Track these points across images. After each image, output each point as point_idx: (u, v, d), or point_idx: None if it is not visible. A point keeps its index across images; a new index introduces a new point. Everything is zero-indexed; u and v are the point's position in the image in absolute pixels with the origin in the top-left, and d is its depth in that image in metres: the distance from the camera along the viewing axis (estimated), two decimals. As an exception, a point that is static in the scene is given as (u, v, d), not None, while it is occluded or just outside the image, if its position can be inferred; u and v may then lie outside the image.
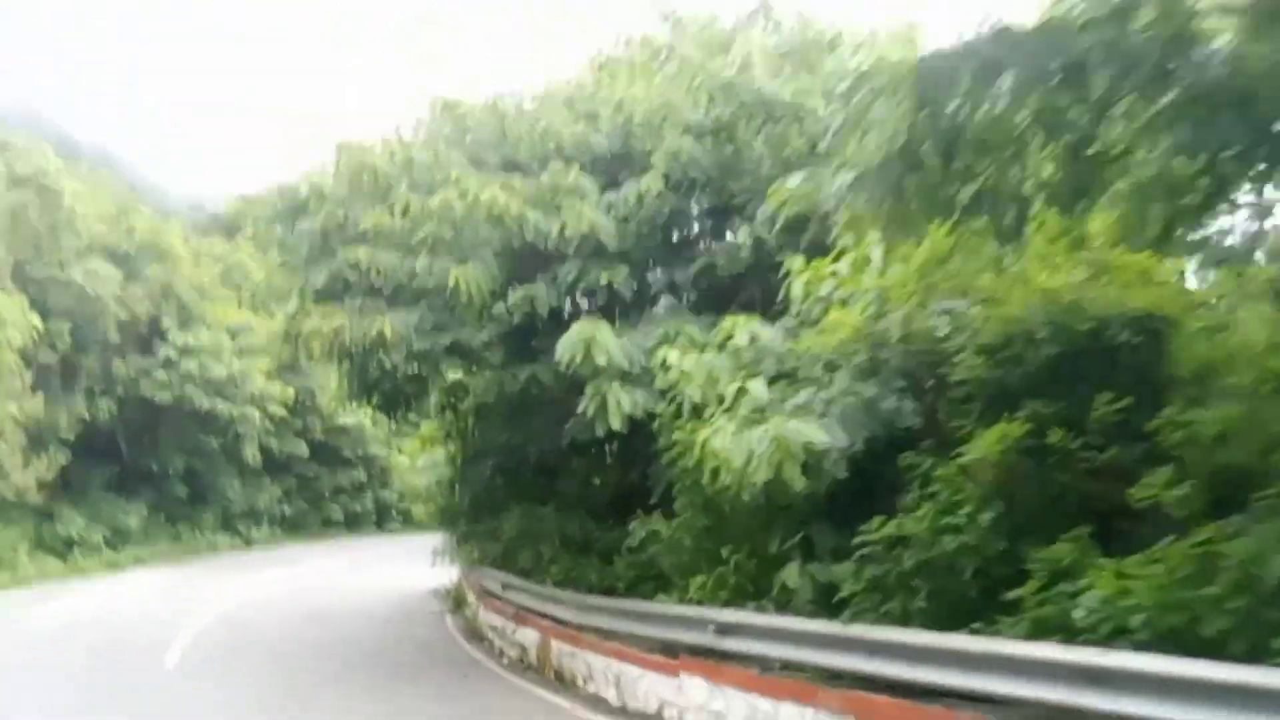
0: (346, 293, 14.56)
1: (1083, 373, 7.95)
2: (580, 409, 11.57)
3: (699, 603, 10.60)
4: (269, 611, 22.93)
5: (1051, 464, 7.71)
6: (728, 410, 9.61)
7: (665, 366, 10.57)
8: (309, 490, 51.30)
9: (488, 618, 18.22)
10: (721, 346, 10.59)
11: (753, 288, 13.15)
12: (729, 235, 12.62)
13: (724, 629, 10.01)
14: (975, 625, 7.34)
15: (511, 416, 16.84)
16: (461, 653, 17.13)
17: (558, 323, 15.09)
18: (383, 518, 58.25)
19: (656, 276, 13.05)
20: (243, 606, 23.83)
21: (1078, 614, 6.47)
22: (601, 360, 11.42)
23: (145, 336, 36.45)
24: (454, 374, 22.04)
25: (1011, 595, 7.14)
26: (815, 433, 8.49)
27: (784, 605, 9.90)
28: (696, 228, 13.79)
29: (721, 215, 13.41)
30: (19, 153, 30.64)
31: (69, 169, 33.27)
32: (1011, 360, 8.37)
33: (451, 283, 12.29)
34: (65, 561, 32.00)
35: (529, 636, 14.89)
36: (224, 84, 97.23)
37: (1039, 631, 6.74)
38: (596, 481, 16.22)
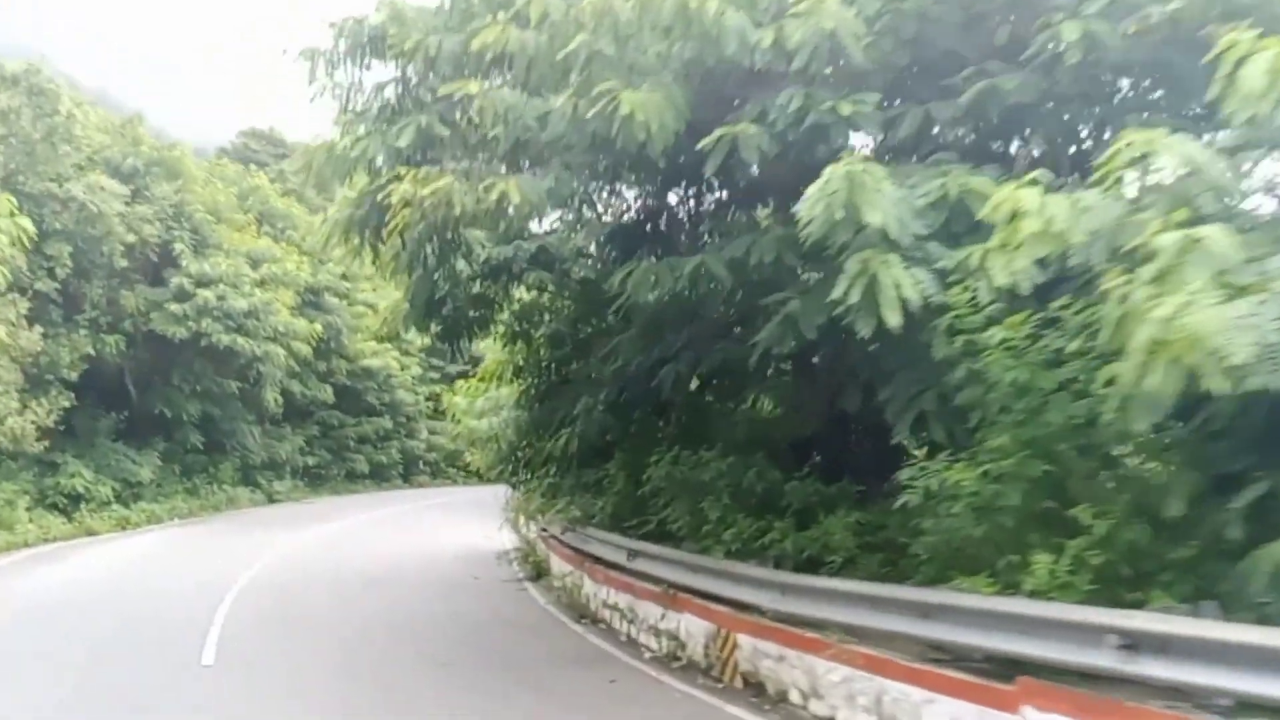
0: (441, 152, 10.55)
1: None
2: (836, 294, 7.48)
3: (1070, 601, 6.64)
4: (317, 579, 19.15)
5: None
6: (1159, 280, 5.64)
7: (1010, 214, 6.53)
8: (332, 440, 47.60)
9: (600, 593, 14.34)
10: (1099, 184, 6.56)
11: (1050, 127, 9.14)
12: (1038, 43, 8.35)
13: (1134, 643, 6.06)
14: None
15: (647, 333, 12.86)
16: (577, 639, 13.23)
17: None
18: (410, 470, 54.71)
19: (915, 113, 8.89)
20: (283, 571, 20.09)
21: None
22: (874, 219, 7.36)
23: (156, 264, 32.32)
24: (527, 293, 18.40)
25: None
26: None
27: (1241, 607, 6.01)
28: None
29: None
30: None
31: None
32: None
33: (625, 112, 8.18)
34: (70, 519, 28.22)
35: (693, 626, 10.96)
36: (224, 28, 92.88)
37: None
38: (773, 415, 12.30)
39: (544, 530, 19.90)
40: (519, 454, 19.94)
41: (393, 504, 40.10)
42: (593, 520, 15.94)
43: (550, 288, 18.24)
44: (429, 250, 13.28)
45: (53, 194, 26.80)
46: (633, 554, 13.13)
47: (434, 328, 18.18)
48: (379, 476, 51.31)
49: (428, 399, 55.53)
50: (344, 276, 41.57)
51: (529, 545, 21.72)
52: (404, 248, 12.53)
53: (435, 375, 56.69)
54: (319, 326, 37.58)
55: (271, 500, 39.81)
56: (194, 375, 34.58)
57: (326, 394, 42.22)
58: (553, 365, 19.00)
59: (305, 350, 36.90)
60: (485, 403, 23.27)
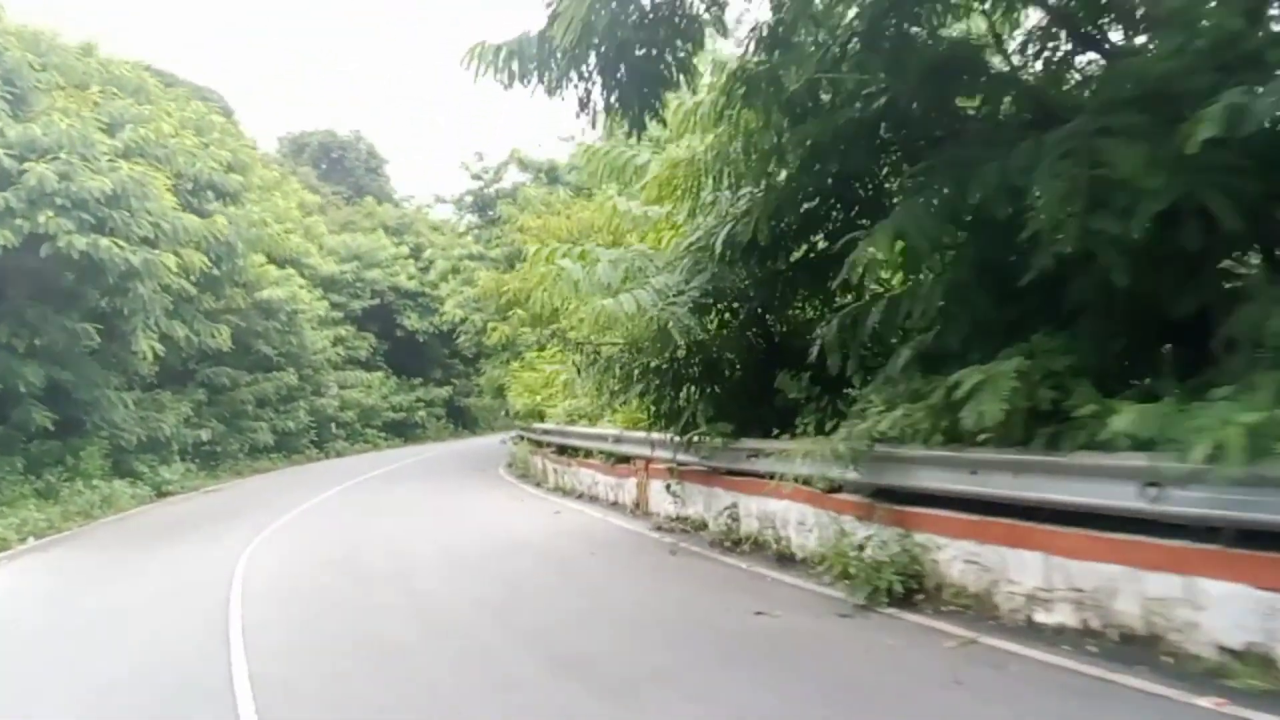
0: None
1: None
2: None
3: None
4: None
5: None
6: None
7: None
8: (224, 405, 35.45)
9: None
10: None
11: None
12: None
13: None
14: None
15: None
16: None
17: None
18: (323, 436, 42.80)
19: None
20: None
21: None
22: None
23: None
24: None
25: None
26: None
27: None
28: None
29: None
30: None
31: None
32: None
33: None
34: None
35: None
36: None
37: None
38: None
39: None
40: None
41: (331, 481, 28.61)
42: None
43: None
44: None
45: None
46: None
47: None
48: (287, 448, 39.38)
49: (335, 343, 43.60)
50: (229, 169, 29.10)
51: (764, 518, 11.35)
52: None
53: (339, 315, 44.68)
54: (222, 222, 25.34)
55: (160, 493, 27.73)
56: (28, 325, 22.27)
57: (222, 338, 29.95)
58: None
59: (200, 262, 24.63)
60: (613, 267, 12.34)
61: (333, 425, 43.77)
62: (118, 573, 15.04)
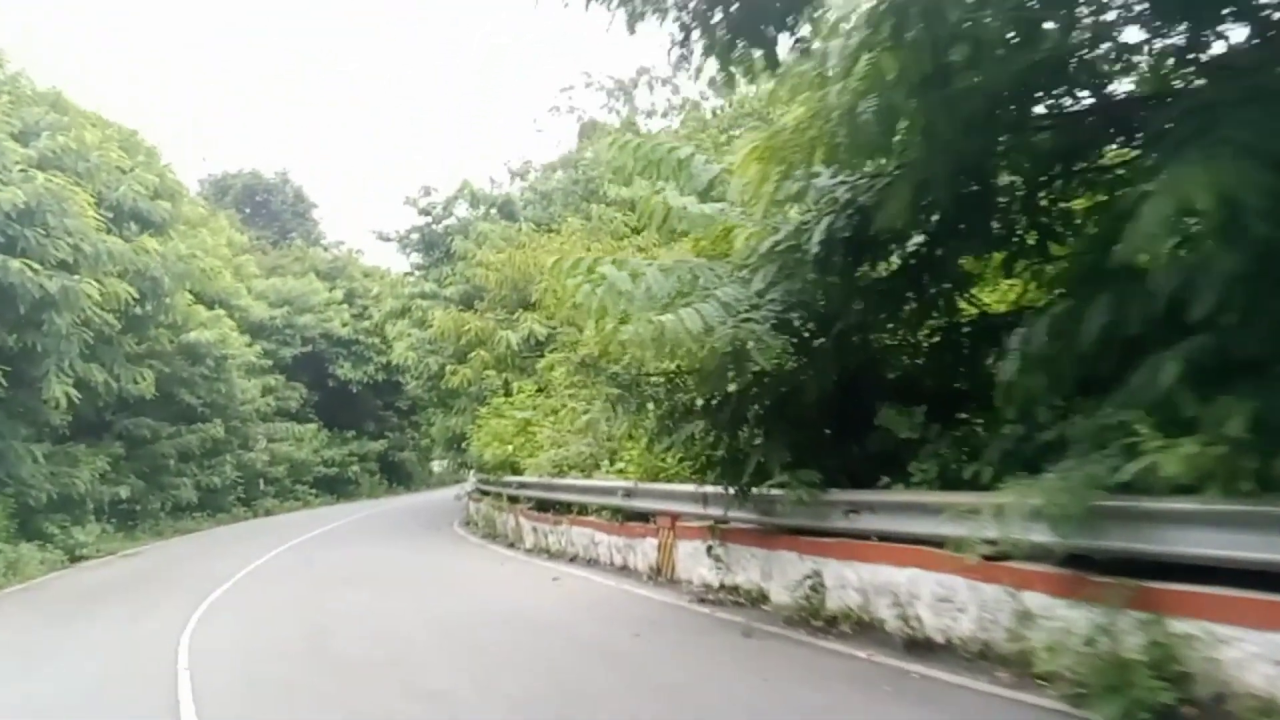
0: None
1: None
2: None
3: None
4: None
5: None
6: None
7: None
8: (144, 460, 32.07)
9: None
10: None
11: None
12: None
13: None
14: None
15: None
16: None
17: None
18: (250, 493, 39.55)
19: None
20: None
21: None
22: None
23: None
24: None
25: None
26: None
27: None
28: None
29: None
30: None
31: None
32: None
33: None
34: None
35: None
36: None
37: None
38: None
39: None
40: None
41: (270, 542, 25.61)
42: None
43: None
44: None
45: None
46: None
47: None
48: (212, 505, 36.02)
49: (264, 393, 40.48)
50: (156, 195, 26.16)
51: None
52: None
53: (268, 363, 41.58)
54: (152, 245, 22.42)
55: (73, 557, 24.42)
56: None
57: (146, 384, 26.83)
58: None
59: (126, 294, 21.67)
60: (665, 276, 10.05)
61: (260, 481, 40.47)
62: (26, 658, 12.14)
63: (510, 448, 21.61)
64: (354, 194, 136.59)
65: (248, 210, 61.04)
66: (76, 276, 18.73)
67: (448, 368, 26.16)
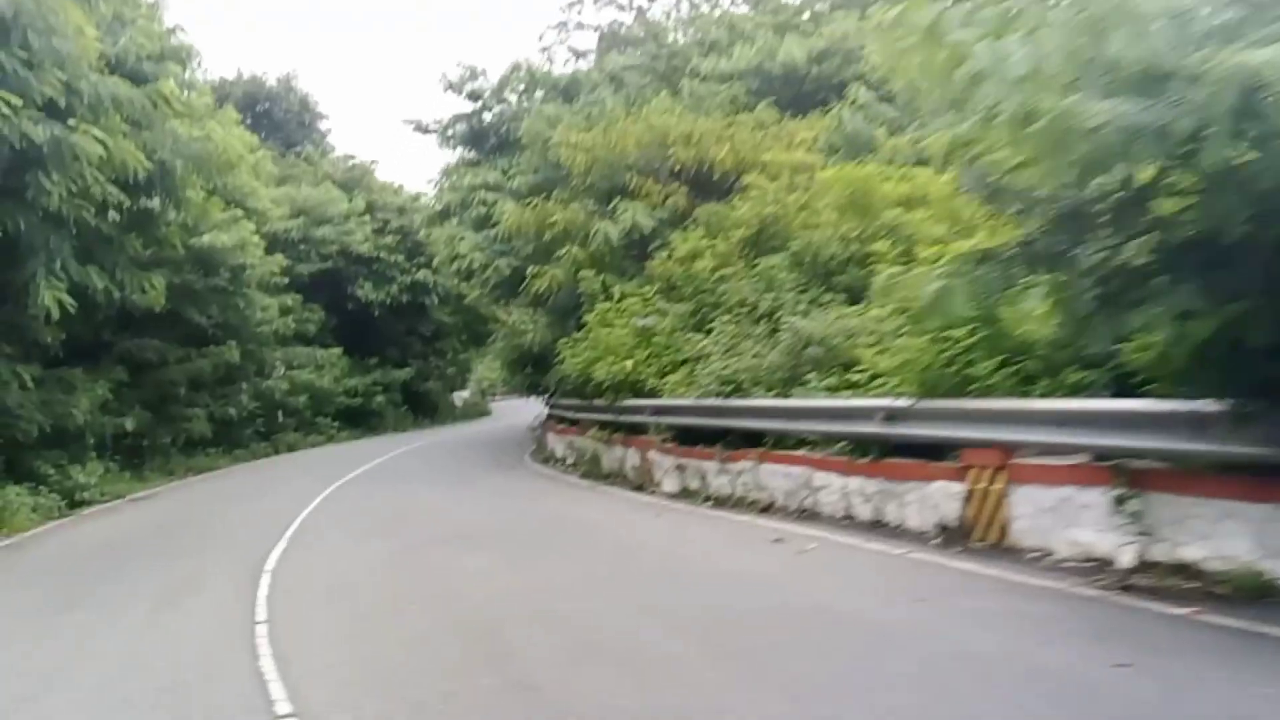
0: None
1: None
2: None
3: None
4: None
5: None
6: None
7: None
8: (150, 387, 27.17)
9: None
10: None
11: None
12: None
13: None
14: None
15: None
16: None
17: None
18: (271, 425, 34.87)
19: None
20: None
21: None
22: None
23: None
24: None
25: None
26: None
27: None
28: None
29: None
30: None
31: None
32: None
33: None
34: None
35: None
36: None
37: None
38: None
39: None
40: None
41: (314, 482, 20.92)
42: None
43: None
44: None
45: None
46: None
47: None
48: (228, 440, 31.26)
49: (283, 313, 35.59)
50: (160, 56, 21.00)
51: None
52: None
53: (285, 280, 36.53)
54: (172, 87, 17.42)
55: (73, 503, 19.72)
56: None
57: (155, 292, 21.91)
58: None
59: (138, 162, 16.70)
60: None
61: (279, 413, 35.74)
62: (24, 660, 7.47)
63: (629, 363, 16.91)
64: (363, 105, 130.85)
65: (248, 121, 55.44)
66: (71, 121, 13.76)
67: (530, 269, 21.31)
